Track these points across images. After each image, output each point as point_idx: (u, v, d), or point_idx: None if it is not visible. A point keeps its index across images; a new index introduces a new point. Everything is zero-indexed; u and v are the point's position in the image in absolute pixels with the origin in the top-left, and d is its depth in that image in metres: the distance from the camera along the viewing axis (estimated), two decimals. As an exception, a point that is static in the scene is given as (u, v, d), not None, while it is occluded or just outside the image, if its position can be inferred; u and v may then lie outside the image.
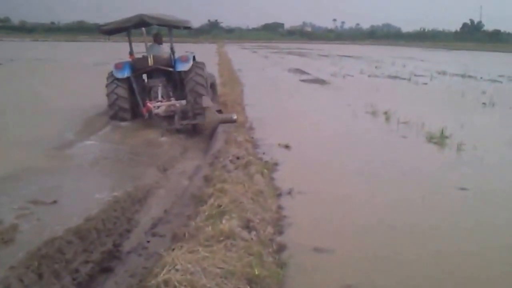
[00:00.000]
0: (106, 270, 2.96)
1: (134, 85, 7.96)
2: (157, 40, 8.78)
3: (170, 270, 2.50)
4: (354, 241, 3.57)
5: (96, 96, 9.71)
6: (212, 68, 12.61)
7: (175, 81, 8.30)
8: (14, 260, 2.80)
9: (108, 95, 7.80)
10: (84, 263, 2.95)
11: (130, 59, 8.25)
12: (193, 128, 7.35)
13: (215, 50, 37.03)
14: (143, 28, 8.88)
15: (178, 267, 2.52)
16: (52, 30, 78.04)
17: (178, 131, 7.24)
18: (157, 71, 8.20)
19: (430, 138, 6.86)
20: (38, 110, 9.17)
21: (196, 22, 73.41)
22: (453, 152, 6.24)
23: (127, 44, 8.50)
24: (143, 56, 8.25)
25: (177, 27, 8.57)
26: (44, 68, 20.16)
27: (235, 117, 7.30)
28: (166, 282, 2.42)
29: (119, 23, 7.88)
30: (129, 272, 2.77)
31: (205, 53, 23.79)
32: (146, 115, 7.73)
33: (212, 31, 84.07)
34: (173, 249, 2.72)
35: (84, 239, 3.16)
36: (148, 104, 7.73)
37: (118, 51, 15.08)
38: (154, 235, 3.38)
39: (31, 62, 23.14)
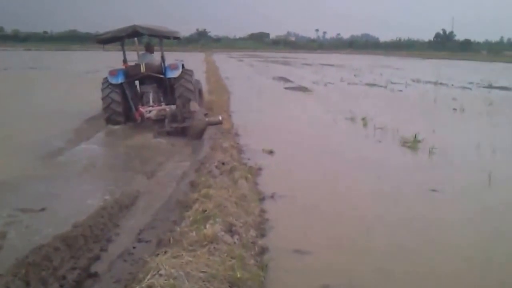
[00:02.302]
0: (92, 276, 2.90)
1: (127, 91, 8.19)
2: (149, 49, 9.07)
3: (154, 275, 2.46)
4: (333, 243, 3.58)
5: (88, 102, 9.65)
6: (200, 76, 12.58)
7: (166, 87, 8.57)
8: (2, 268, 2.73)
9: (103, 99, 7.97)
10: (71, 270, 2.89)
11: (123, 67, 8.40)
12: (182, 130, 7.48)
13: (203, 59, 36.96)
14: (136, 38, 9.10)
15: (162, 272, 2.49)
16: (45, 39, 76.91)
17: (169, 133, 7.42)
18: (148, 78, 8.47)
19: (404, 143, 6.96)
20: (31, 116, 9.03)
21: (185, 31, 73.48)
22: (425, 155, 6.34)
23: (117, 53, 8.55)
24: (136, 64, 8.48)
25: (167, 37, 8.90)
26: (37, 76, 19.82)
27: (220, 118, 7.57)
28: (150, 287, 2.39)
29: (113, 33, 8.19)
30: (114, 278, 2.72)
31: (194, 61, 23.73)
32: (139, 119, 8.02)
33: (201, 40, 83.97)
34: (158, 255, 2.68)
35: (72, 246, 3.09)
36: (141, 108, 8.04)
37: (108, 60, 14.93)
38: (140, 241, 3.33)
39: (24, 70, 22.73)
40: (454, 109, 10.86)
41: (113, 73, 8.05)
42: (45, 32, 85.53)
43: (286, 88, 16.00)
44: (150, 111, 7.93)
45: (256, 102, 11.98)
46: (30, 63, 28.38)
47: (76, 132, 7.73)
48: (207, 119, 7.39)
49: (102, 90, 7.98)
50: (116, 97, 7.91)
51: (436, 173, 5.60)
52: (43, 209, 3.91)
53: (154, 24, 8.65)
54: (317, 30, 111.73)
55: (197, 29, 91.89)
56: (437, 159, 6.17)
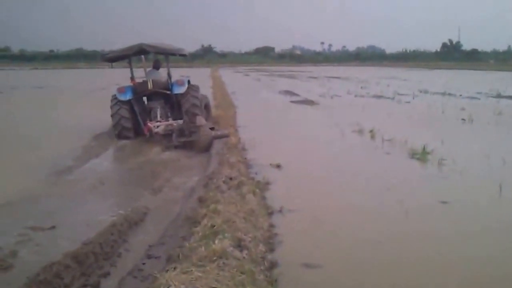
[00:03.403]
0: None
1: (136, 107, 8.52)
2: (156, 66, 9.38)
3: (164, 292, 2.50)
4: (342, 256, 3.58)
5: (96, 119, 9.84)
6: (206, 91, 12.75)
7: (172, 102, 8.87)
8: (14, 286, 2.78)
9: (112, 116, 8.29)
10: (82, 287, 2.93)
11: (131, 84, 8.71)
12: (190, 144, 7.65)
13: (209, 74, 37.38)
14: (142, 56, 9.39)
15: (172, 288, 2.53)
16: (51, 58, 78.34)
17: (176, 147, 7.66)
18: (156, 94, 8.78)
19: (413, 154, 6.96)
20: (39, 134, 9.18)
21: (190, 47, 74.56)
22: (435, 167, 6.32)
23: (123, 70, 8.80)
24: (143, 81, 8.79)
25: (173, 55, 9.13)
26: (44, 95, 20.19)
27: (227, 132, 7.83)
28: (160, 303, 2.42)
29: (121, 51, 8.52)
30: (125, 295, 2.76)
31: (200, 77, 24.03)
32: (148, 134, 8.34)
33: (206, 55, 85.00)
34: (167, 270, 2.72)
35: (82, 263, 3.14)
36: (149, 124, 8.38)
37: (115, 77, 15.23)
38: (149, 257, 3.37)
39: (31, 90, 23.18)
40: (463, 119, 10.82)
41: (121, 90, 8.39)
42: (51, 51, 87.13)
43: (292, 101, 16.10)
44: (158, 126, 8.25)
45: (262, 116, 12.08)
46: (37, 82, 28.94)
47: (85, 149, 7.86)
48: (213, 133, 7.56)
49: (111, 107, 8.30)
50: (125, 113, 8.22)
51: (446, 184, 5.58)
52: (53, 227, 3.97)
53: (160, 42, 8.93)
54: (322, 43, 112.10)
55: (203, 45, 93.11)
56: (446, 170, 6.15)
